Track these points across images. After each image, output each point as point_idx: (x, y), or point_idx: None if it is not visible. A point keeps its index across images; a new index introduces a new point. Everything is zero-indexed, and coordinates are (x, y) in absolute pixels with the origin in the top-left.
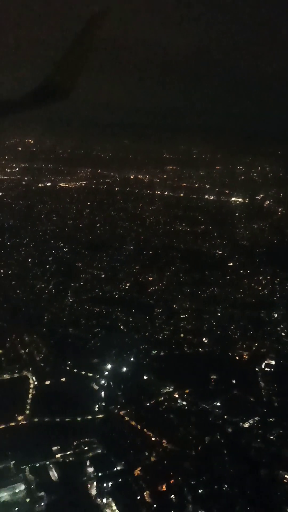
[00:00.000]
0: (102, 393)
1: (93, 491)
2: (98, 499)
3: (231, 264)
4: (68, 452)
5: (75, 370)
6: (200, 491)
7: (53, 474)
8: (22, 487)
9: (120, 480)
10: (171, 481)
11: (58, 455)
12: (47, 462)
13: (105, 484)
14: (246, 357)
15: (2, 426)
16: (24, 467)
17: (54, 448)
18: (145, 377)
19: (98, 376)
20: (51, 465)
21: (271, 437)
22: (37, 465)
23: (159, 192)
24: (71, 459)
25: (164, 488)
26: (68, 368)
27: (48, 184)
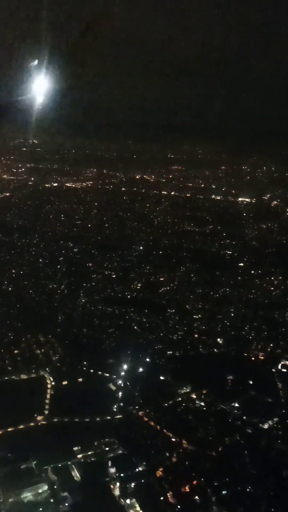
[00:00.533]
0: (120, 394)
1: (116, 492)
2: (122, 500)
3: (241, 264)
4: (89, 453)
5: (92, 371)
6: (223, 492)
7: (76, 475)
8: (45, 487)
9: (142, 481)
10: (194, 482)
11: (79, 455)
12: (69, 462)
13: (127, 485)
14: (262, 358)
15: (22, 426)
16: (46, 467)
17: (75, 448)
18: (161, 378)
19: (115, 376)
20: (72, 465)
21: None
22: (59, 465)
23: (165, 192)
24: (92, 459)
25: (187, 489)
26: (84, 368)
27: (55, 185)
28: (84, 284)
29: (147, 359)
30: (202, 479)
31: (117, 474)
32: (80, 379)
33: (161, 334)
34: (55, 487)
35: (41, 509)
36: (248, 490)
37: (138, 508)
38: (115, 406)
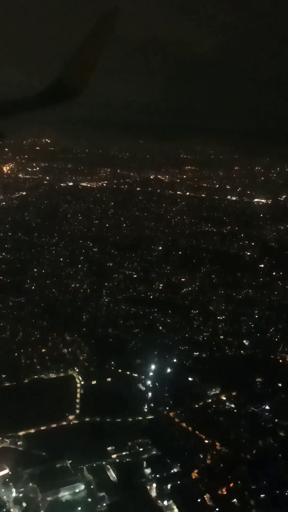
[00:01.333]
0: (149, 394)
1: (153, 493)
2: (159, 501)
3: (261, 266)
4: (124, 453)
5: (120, 371)
6: (262, 496)
7: (111, 475)
8: (82, 486)
9: (178, 482)
10: (231, 485)
11: (113, 456)
12: (103, 462)
13: (164, 486)
14: None
15: (54, 425)
16: (81, 466)
17: (109, 448)
18: (189, 379)
19: (143, 377)
20: (108, 466)
21: None
22: (94, 465)
23: (180, 193)
24: (127, 460)
25: (224, 491)
26: (112, 368)
27: (70, 184)
28: (106, 284)
29: (174, 360)
30: (239, 482)
31: (152, 475)
32: (109, 379)
33: (187, 335)
34: (92, 486)
35: (79, 508)
36: (287, 494)
37: (176, 510)
38: (146, 407)
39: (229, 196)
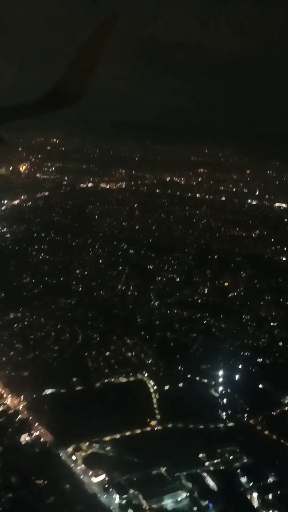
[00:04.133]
0: (224, 401)
1: (255, 503)
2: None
3: None
4: (215, 461)
5: (189, 376)
6: None
7: (210, 483)
8: (184, 494)
9: (278, 492)
10: None
11: (206, 463)
12: (198, 470)
13: (265, 496)
14: None
15: (139, 431)
16: (177, 474)
17: (200, 455)
18: (260, 386)
19: (213, 382)
20: (204, 473)
21: None
22: (190, 472)
23: (199, 195)
24: (221, 467)
25: None
26: (180, 373)
27: (90, 185)
28: (152, 287)
29: (240, 366)
30: None
31: (250, 484)
32: (181, 384)
33: (245, 341)
34: (195, 495)
35: None
36: None
37: None
38: (224, 414)
39: (249, 200)
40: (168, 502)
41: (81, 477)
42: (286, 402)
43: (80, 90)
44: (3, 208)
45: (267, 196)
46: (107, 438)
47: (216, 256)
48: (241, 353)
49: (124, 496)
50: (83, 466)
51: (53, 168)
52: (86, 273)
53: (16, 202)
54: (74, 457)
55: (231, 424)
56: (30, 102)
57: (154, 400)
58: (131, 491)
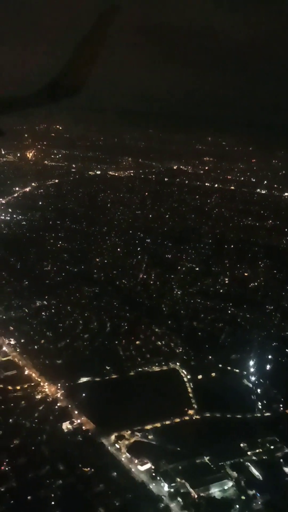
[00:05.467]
0: (258, 390)
1: None
2: None
3: None
4: (257, 450)
5: (220, 365)
6: None
7: (255, 473)
8: (230, 483)
9: None
10: None
11: (249, 453)
12: (241, 460)
13: None
14: None
15: (178, 420)
16: (221, 463)
17: (242, 445)
18: None
19: (245, 372)
20: (247, 463)
21: None
22: (233, 462)
23: (208, 184)
24: (264, 457)
25: None
26: (211, 363)
27: (98, 172)
28: (172, 276)
29: (269, 356)
30: None
31: None
32: (213, 374)
33: (272, 331)
34: (241, 484)
35: (237, 506)
36: None
37: None
38: (259, 403)
39: (258, 190)
40: (215, 491)
41: (127, 465)
42: None
43: (80, 82)
44: (16, 195)
45: (275, 186)
46: (148, 427)
47: (232, 246)
48: (270, 343)
49: (173, 484)
50: (127, 454)
51: (60, 155)
52: (105, 261)
53: (27, 189)
54: (117, 446)
55: (267, 414)
56: (30, 93)
57: (189, 389)
58: (178, 479)
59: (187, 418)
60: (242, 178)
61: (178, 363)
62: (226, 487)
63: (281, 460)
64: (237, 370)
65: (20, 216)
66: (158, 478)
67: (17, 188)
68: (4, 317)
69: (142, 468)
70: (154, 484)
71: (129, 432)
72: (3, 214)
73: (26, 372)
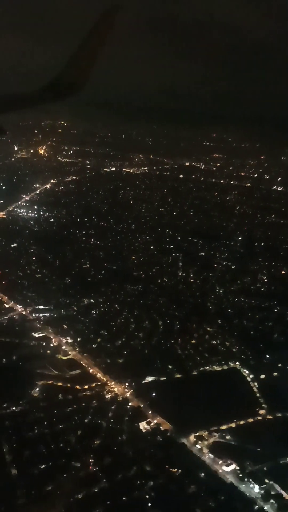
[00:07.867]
0: None
1: None
2: None
3: None
4: None
5: (279, 365)
6: None
7: None
8: None
9: None
10: None
11: None
12: None
13: None
14: None
15: (251, 420)
16: None
17: None
18: None
19: None
20: None
21: None
22: None
23: (223, 181)
24: None
25: None
26: (271, 362)
27: (113, 169)
28: (211, 274)
29: None
30: None
31: None
32: (275, 373)
33: None
34: None
35: None
36: None
37: None
38: None
39: (274, 187)
40: None
41: (212, 466)
42: None
43: (81, 81)
44: (38, 192)
45: None
46: (224, 427)
47: (262, 244)
48: None
49: (263, 486)
50: (210, 455)
51: (71, 152)
52: (141, 259)
53: (47, 186)
54: (198, 446)
55: None
56: (33, 90)
57: (255, 389)
58: (266, 481)
59: (259, 418)
60: (256, 175)
61: (237, 363)
62: None
63: None
64: None
65: (47, 213)
66: (245, 479)
67: (37, 185)
68: (55, 315)
69: (227, 469)
70: (243, 485)
71: (206, 432)
72: (30, 211)
73: (90, 371)
